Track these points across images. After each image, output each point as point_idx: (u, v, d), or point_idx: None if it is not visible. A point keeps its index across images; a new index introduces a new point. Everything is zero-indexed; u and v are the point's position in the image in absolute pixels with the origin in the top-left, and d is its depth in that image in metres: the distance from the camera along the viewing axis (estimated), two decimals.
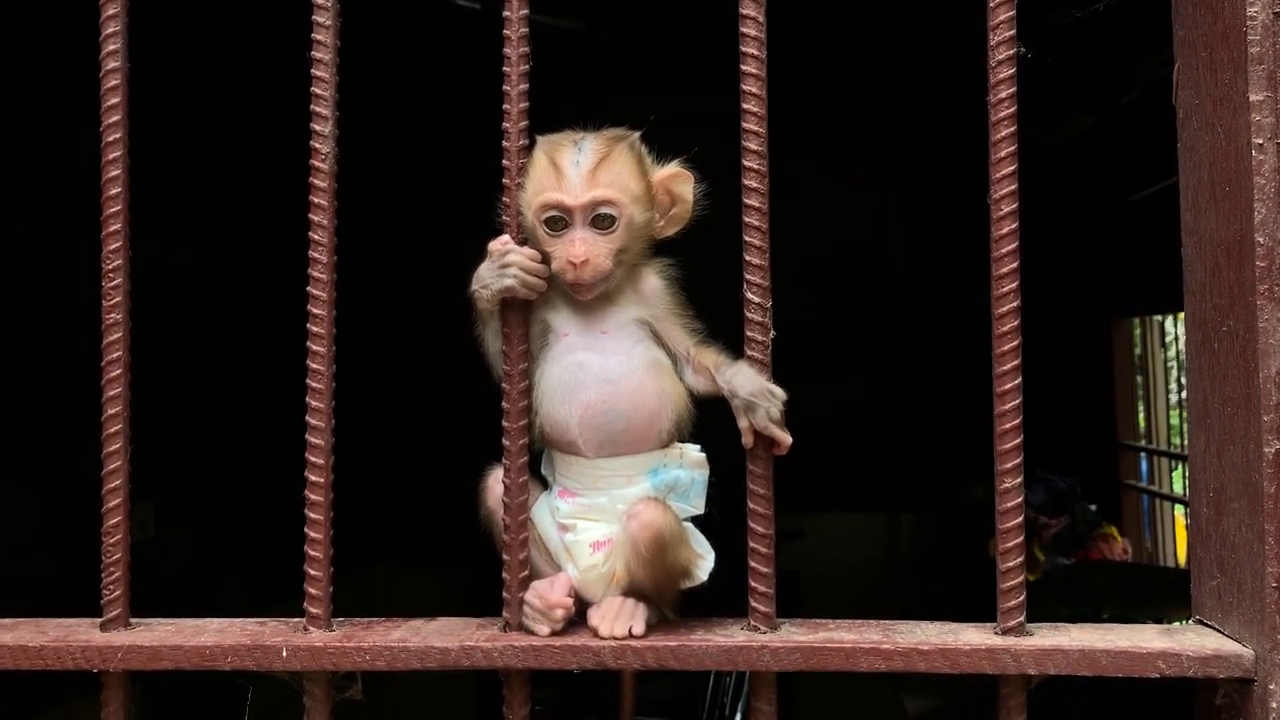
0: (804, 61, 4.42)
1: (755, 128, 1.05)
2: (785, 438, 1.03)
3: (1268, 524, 0.96)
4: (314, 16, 1.10)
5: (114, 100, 1.10)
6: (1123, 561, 4.46)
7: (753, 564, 1.04)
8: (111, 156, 1.10)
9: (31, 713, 2.73)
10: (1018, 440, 1.01)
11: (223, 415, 3.91)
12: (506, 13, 1.09)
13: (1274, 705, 0.96)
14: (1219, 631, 1.03)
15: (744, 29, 1.05)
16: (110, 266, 1.09)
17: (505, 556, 1.07)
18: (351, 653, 1.03)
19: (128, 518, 1.09)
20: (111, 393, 1.09)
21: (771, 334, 1.05)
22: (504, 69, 1.08)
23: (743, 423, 1.04)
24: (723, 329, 1.12)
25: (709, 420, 1.12)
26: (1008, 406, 1.02)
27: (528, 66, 1.08)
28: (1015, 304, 1.02)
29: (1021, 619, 1.01)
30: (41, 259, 2.94)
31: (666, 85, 4.46)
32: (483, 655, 1.03)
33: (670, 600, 1.07)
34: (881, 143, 5.29)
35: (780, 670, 1.02)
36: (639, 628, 1.03)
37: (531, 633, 1.05)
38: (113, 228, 1.09)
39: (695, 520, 1.11)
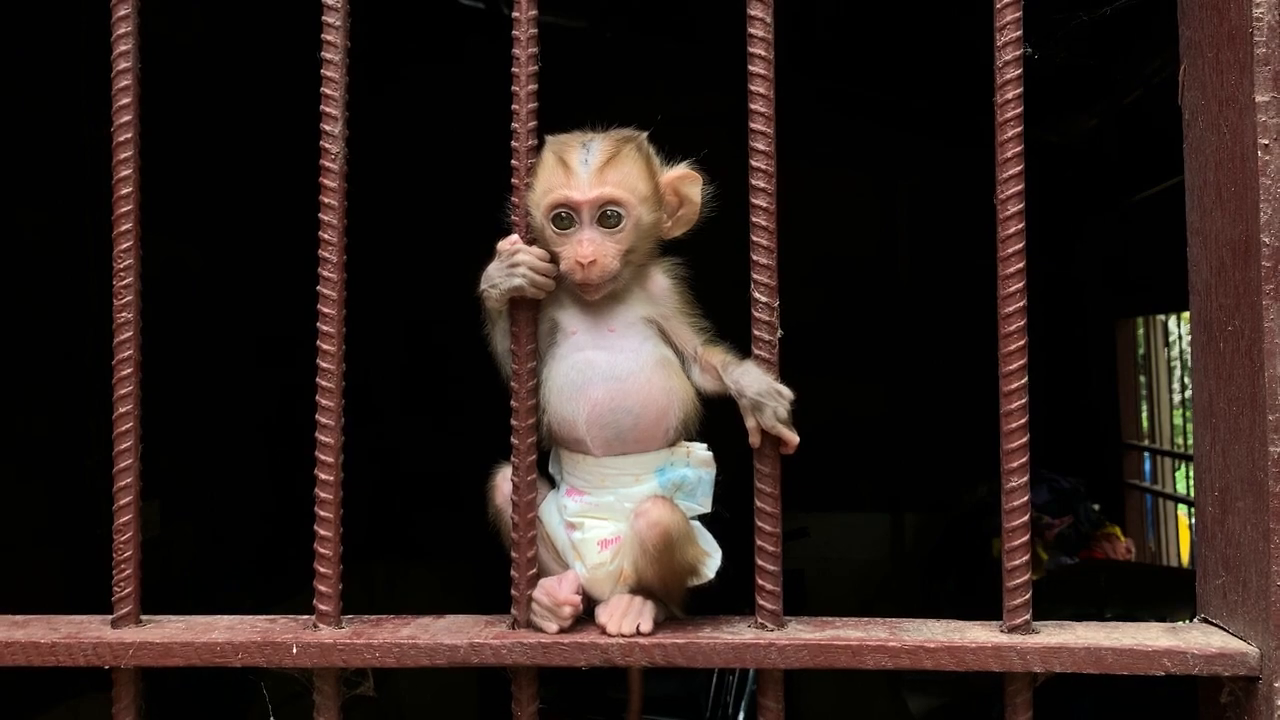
0: (809, 61, 4.42)
1: (763, 127, 1.05)
2: (792, 437, 1.03)
3: (1273, 522, 0.96)
4: (324, 17, 1.10)
5: (125, 100, 1.10)
6: (1126, 561, 4.46)
7: (760, 562, 1.04)
8: (123, 156, 1.10)
9: (36, 711, 2.74)
10: (1024, 439, 1.02)
11: (225, 413, 3.92)
12: (515, 13, 1.09)
13: (1279, 703, 0.96)
14: (1224, 630, 1.03)
15: (751, 29, 1.05)
16: (121, 265, 1.10)
17: (514, 554, 1.08)
18: (361, 649, 1.04)
19: (138, 515, 1.09)
20: (122, 391, 1.09)
21: (779, 333, 1.05)
22: (513, 69, 1.08)
23: (750, 422, 1.04)
24: (730, 329, 1.12)
25: (716, 419, 1.12)
26: (1014, 405, 1.02)
27: (536, 66, 1.09)
28: (1022, 303, 1.02)
29: (1027, 617, 1.02)
30: (50, 257, 2.95)
31: (673, 84, 4.47)
32: (491, 652, 1.03)
33: (678, 598, 1.08)
34: (889, 144, 5.29)
35: (787, 668, 1.02)
36: (646, 625, 1.04)
37: (540, 630, 1.05)
38: (124, 227, 1.10)
39: (703, 518, 1.12)
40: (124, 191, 1.10)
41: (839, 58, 4.81)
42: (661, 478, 1.09)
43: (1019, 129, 1.03)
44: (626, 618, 1.04)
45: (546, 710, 1.10)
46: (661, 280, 1.13)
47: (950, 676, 1.02)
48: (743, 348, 1.07)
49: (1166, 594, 3.28)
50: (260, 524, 4.09)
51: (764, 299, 1.05)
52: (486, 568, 1.38)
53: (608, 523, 1.09)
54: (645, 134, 1.12)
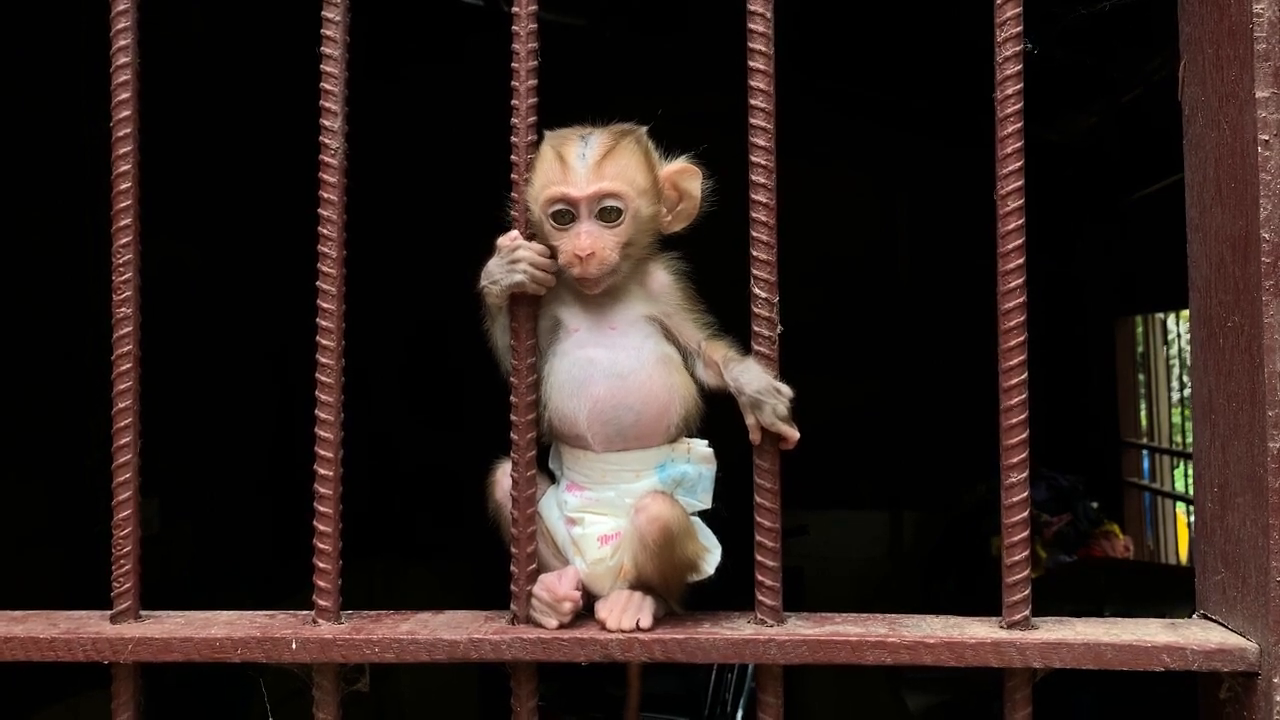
0: (809, 61, 4.42)
1: (763, 124, 1.05)
2: (792, 434, 1.03)
3: (1272, 519, 0.96)
4: (324, 13, 1.10)
5: (124, 98, 1.10)
6: (1125, 559, 4.47)
7: (759, 558, 1.05)
8: (122, 152, 1.10)
9: (34, 708, 2.74)
10: (1024, 435, 1.02)
11: (225, 410, 3.92)
12: (515, 9, 1.09)
13: (1278, 699, 0.96)
14: (1223, 626, 1.03)
15: (751, 25, 1.05)
16: (120, 262, 1.10)
17: (513, 550, 1.08)
18: (361, 645, 1.04)
19: (137, 510, 1.09)
20: (121, 387, 1.09)
21: (779, 330, 1.05)
22: (512, 63, 1.08)
23: (750, 419, 1.04)
24: (730, 328, 1.12)
25: (717, 416, 1.12)
26: (1014, 402, 1.02)
27: (536, 61, 1.09)
28: (1021, 300, 1.02)
29: (1027, 613, 1.02)
30: (50, 257, 2.95)
31: (672, 83, 4.47)
32: (491, 648, 1.03)
33: (677, 594, 1.08)
34: (889, 144, 5.30)
35: (787, 663, 1.02)
36: (646, 621, 1.04)
37: (539, 625, 1.05)
38: (123, 223, 1.10)
39: (703, 515, 1.12)
40: (123, 189, 1.10)
41: (839, 57, 4.81)
42: (662, 473, 1.09)
43: (1019, 126, 1.03)
44: (626, 613, 1.04)
45: (546, 708, 1.10)
46: (662, 277, 1.13)
47: (949, 673, 1.02)
48: (743, 346, 1.07)
49: (1165, 592, 3.28)
50: (260, 524, 4.09)
51: (764, 295, 1.05)
52: (485, 567, 1.38)
53: (608, 518, 1.09)
54: (644, 128, 1.12)
